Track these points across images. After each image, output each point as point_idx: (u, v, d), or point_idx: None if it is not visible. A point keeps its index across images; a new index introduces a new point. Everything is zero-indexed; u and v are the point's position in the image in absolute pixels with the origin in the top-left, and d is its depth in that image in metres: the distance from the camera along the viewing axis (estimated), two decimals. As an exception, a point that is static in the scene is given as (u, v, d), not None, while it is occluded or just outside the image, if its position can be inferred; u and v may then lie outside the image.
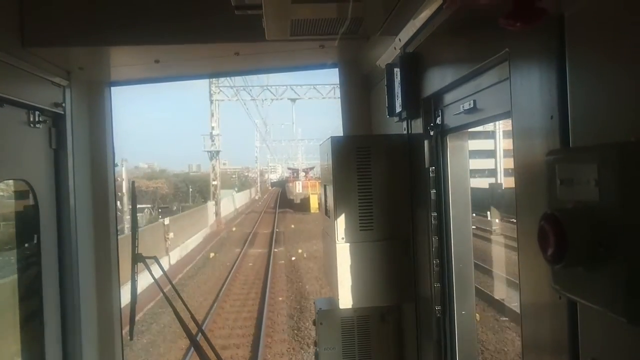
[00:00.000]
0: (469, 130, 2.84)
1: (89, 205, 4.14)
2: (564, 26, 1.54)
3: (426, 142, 2.97)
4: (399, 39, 3.22)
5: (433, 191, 2.94)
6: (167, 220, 28.16)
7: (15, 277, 3.81)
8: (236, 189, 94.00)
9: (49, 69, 3.60)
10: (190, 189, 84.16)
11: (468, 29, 2.29)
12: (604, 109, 1.39)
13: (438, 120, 2.91)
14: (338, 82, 4.56)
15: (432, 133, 2.94)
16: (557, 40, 1.56)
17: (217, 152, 50.11)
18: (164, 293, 4.20)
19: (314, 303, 3.83)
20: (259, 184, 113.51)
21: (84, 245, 3.99)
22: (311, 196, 54.19)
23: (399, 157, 3.36)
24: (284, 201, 70.20)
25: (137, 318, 5.03)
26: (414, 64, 3.06)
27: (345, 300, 3.33)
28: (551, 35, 1.58)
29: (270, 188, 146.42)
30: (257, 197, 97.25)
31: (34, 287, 3.62)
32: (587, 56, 1.47)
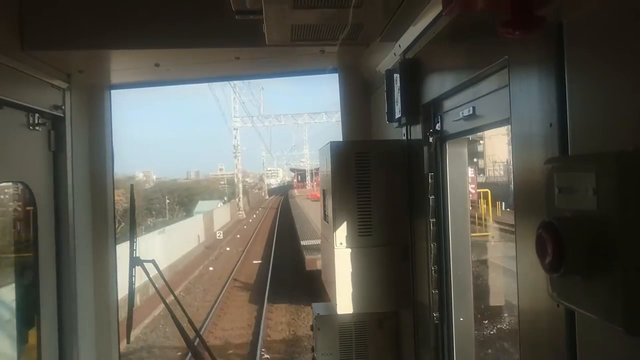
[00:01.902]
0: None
1: (88, 208, 4.14)
2: (563, 34, 1.55)
3: (425, 148, 2.97)
4: (399, 45, 3.23)
5: (432, 197, 2.94)
6: None
7: (12, 279, 3.81)
8: (225, 199, 72.46)
9: (48, 71, 3.60)
10: (168, 201, 66.01)
11: (467, 36, 2.30)
12: (602, 117, 1.39)
13: (437, 127, 2.91)
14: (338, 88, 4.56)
15: (431, 139, 2.95)
16: (556, 48, 1.57)
17: None
18: (161, 296, 4.19)
19: (311, 308, 3.82)
20: (240, 194, 68.82)
21: (82, 247, 3.98)
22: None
23: (398, 162, 3.36)
24: (288, 240, 31.74)
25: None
26: (413, 70, 3.06)
27: (344, 305, 3.32)
28: (550, 43, 1.59)
29: (266, 198, 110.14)
30: (218, 236, 42.48)
31: (31, 290, 3.61)
32: (586, 64, 1.48)
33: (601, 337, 1.38)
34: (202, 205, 61.74)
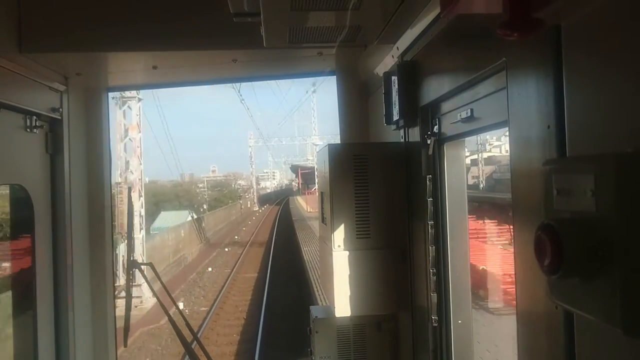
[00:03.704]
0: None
1: (85, 210, 4.12)
2: (561, 36, 1.55)
3: (423, 151, 2.97)
4: (397, 48, 3.23)
5: (430, 199, 2.94)
6: None
7: (9, 281, 3.79)
8: (205, 208, 52.37)
9: (46, 74, 3.59)
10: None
11: (465, 38, 2.30)
12: (600, 119, 1.39)
13: (435, 129, 2.91)
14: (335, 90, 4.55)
15: (429, 141, 2.95)
16: (554, 51, 1.57)
17: None
18: (159, 299, 4.18)
19: (309, 311, 3.81)
20: (120, 227, 11.47)
21: (79, 250, 3.97)
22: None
23: (396, 165, 3.36)
24: None
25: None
26: (411, 73, 3.06)
27: (342, 308, 3.31)
28: (548, 45, 1.59)
29: (255, 209, 76.28)
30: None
31: (28, 292, 3.59)
32: (584, 66, 1.48)
33: (600, 339, 1.38)
34: (164, 219, 40.03)
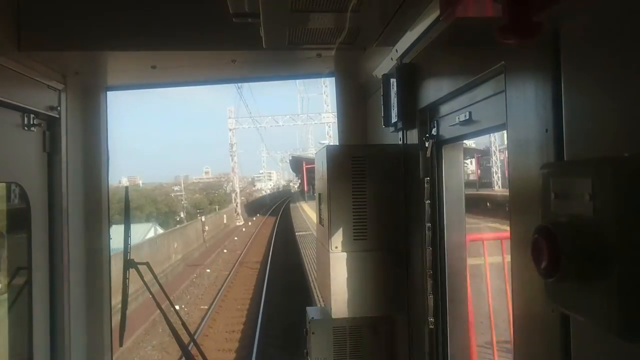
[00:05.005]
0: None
1: (82, 209, 4.11)
2: (560, 41, 1.56)
3: (421, 153, 2.98)
4: (396, 50, 3.24)
5: (427, 202, 2.94)
6: None
7: (5, 280, 3.78)
8: (182, 216, 44.62)
9: (45, 72, 3.59)
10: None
11: (464, 41, 2.31)
12: (598, 123, 1.39)
13: (433, 131, 2.92)
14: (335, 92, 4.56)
15: (427, 144, 2.95)
16: (552, 55, 1.58)
17: None
18: (155, 300, 4.17)
19: (306, 312, 3.80)
20: None
21: (76, 250, 3.96)
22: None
23: (394, 167, 3.37)
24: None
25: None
26: (410, 75, 3.07)
27: (338, 309, 3.32)
28: (547, 49, 1.59)
29: (240, 224, 53.11)
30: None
31: (24, 290, 3.58)
32: (582, 70, 1.48)
33: (596, 343, 1.39)
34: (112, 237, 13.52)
